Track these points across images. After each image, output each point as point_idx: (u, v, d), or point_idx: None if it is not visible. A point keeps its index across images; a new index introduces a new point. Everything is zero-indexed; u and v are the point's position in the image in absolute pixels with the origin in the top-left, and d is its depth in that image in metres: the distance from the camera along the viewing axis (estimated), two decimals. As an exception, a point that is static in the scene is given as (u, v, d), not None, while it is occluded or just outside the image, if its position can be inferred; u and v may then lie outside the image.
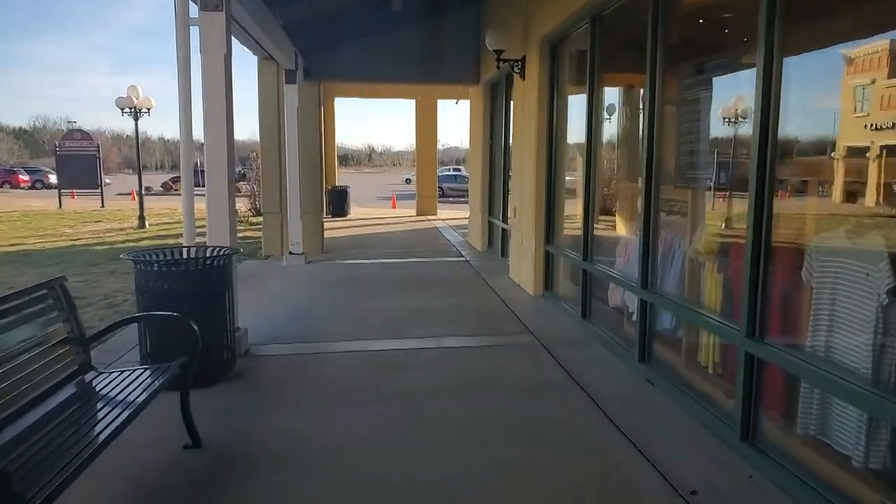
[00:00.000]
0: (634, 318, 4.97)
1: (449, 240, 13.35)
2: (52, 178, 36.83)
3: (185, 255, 4.97)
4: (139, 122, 17.31)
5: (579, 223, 6.33)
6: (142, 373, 3.43)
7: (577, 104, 6.66)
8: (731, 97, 4.21)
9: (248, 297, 7.42)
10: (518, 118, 8.36)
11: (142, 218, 17.33)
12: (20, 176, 44.83)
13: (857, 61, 3.07)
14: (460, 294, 7.79)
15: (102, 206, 26.96)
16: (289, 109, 9.88)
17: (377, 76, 11.69)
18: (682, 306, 4.36)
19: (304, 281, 8.68)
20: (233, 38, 5.82)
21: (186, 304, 4.27)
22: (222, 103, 5.15)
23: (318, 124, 11.12)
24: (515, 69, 7.82)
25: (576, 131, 6.61)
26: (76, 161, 27.16)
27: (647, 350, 4.80)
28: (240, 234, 14.60)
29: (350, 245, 12.43)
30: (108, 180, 57.37)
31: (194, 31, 5.16)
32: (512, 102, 9.06)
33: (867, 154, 3.09)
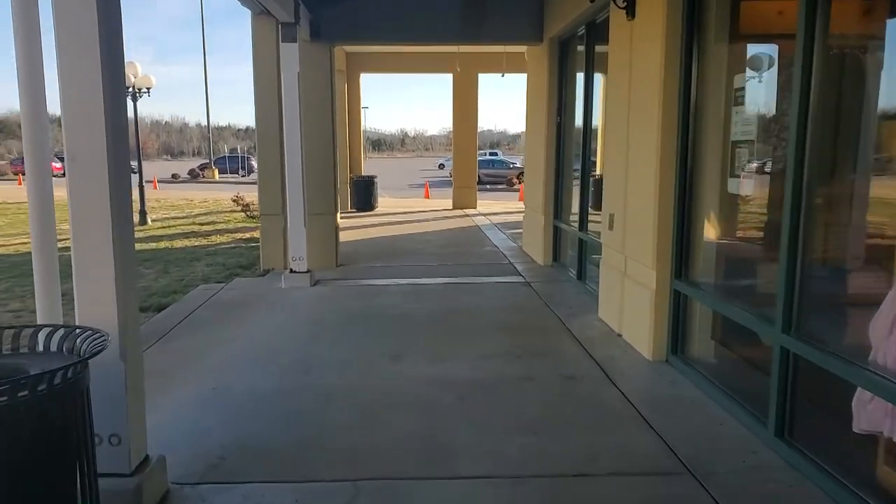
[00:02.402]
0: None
1: (496, 245, 10.64)
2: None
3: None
4: (139, 102, 14.99)
5: (759, 252, 3.61)
6: None
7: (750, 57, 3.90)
8: None
9: (207, 353, 4.87)
10: (618, 84, 5.60)
11: (143, 213, 15.05)
12: (53, 164, 43.96)
13: None
14: (529, 352, 5.09)
15: (116, 196, 24.99)
16: (286, 77, 7.27)
17: (407, 36, 8.99)
18: None
19: (300, 319, 6.09)
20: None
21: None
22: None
23: (331, 100, 8.49)
24: (619, 2, 5.05)
25: (756, 99, 3.82)
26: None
27: None
28: (246, 235, 12.16)
29: (373, 253, 9.83)
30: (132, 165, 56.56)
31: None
32: (606, 61, 6.28)
33: None
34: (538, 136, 8.89)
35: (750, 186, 3.75)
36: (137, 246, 11.41)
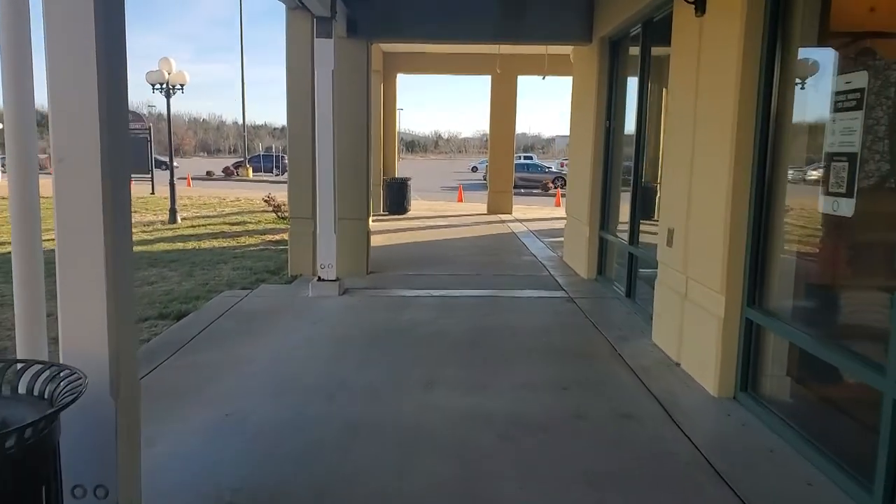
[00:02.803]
0: None
1: (534, 254, 10.12)
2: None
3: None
4: (172, 99, 14.86)
5: (860, 283, 3.04)
6: None
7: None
8: None
9: (224, 372, 4.43)
10: (681, 87, 5.05)
11: (173, 212, 14.90)
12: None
13: None
14: (578, 382, 4.57)
15: (153, 193, 25.20)
16: (320, 75, 6.88)
17: (449, 34, 8.53)
18: None
19: (326, 335, 5.67)
20: None
21: None
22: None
23: (366, 100, 8.08)
24: (689, -6, 4.51)
25: (862, 105, 3.24)
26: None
27: None
28: (276, 237, 11.86)
29: (405, 260, 9.39)
30: (176, 164, 57.48)
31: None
32: (664, 63, 5.74)
33: None
34: (584, 141, 8.34)
35: (850, 206, 3.19)
36: (164, 246, 11.26)
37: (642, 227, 6.58)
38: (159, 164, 56.78)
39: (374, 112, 15.44)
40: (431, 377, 4.55)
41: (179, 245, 11.17)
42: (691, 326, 4.68)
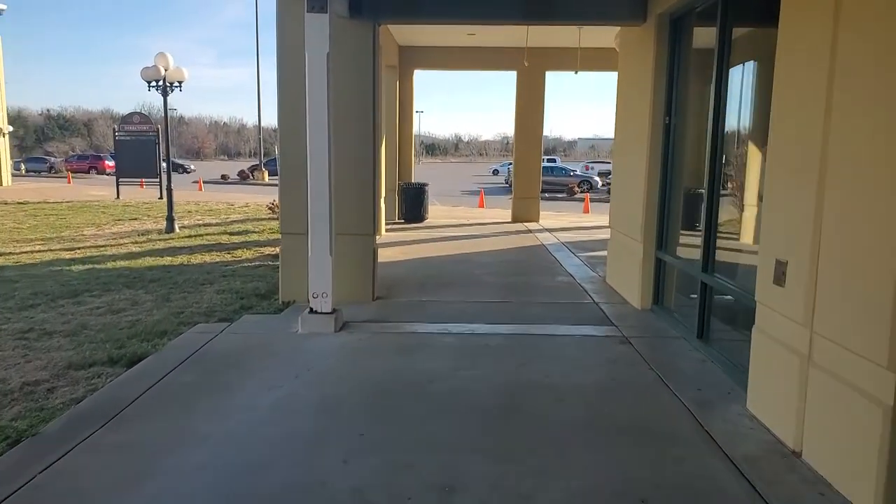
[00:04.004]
0: None
1: (571, 273, 8.69)
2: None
3: None
4: (169, 97, 13.67)
5: None
6: None
7: None
8: None
9: (160, 463, 3.04)
10: (798, 74, 3.61)
11: (170, 220, 13.69)
12: (106, 162, 44.53)
13: None
14: (660, 492, 3.16)
15: (160, 198, 24.20)
16: (313, 58, 5.56)
17: (470, 12, 7.14)
18: None
19: (309, 398, 4.30)
20: None
21: None
22: None
23: (372, 92, 6.73)
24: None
25: None
26: (133, 147, 24.52)
27: None
28: (274, 251, 10.56)
29: (420, 280, 8.02)
30: (193, 167, 56.81)
31: None
32: (753, 43, 4.30)
33: None
34: (634, 141, 6.92)
35: None
36: (150, 261, 9.84)
37: (721, 248, 5.15)
38: (177, 168, 56.26)
39: (389, 111, 14.21)
40: (450, 477, 3.17)
41: (167, 260, 9.93)
42: (824, 406, 3.25)
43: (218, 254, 10.55)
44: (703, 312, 5.32)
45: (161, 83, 13.32)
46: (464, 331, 5.76)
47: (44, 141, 74.69)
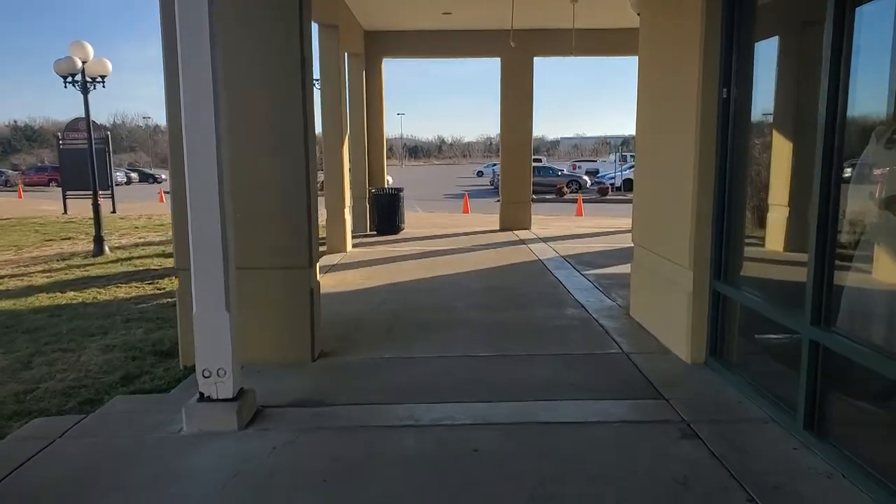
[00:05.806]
0: None
1: (581, 302, 6.70)
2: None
3: None
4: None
5: None
6: None
7: None
8: None
9: None
10: None
11: (98, 241, 11.54)
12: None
13: None
14: None
15: (113, 212, 22.07)
16: (180, 7, 3.54)
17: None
18: None
19: None
20: None
21: None
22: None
23: (300, 66, 4.70)
24: None
25: None
26: (81, 157, 22.24)
27: None
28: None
29: (383, 321, 5.99)
30: (164, 175, 54.19)
31: None
32: None
33: None
34: (671, 127, 4.97)
35: None
36: (45, 299, 7.24)
37: (844, 283, 3.20)
38: (147, 178, 53.59)
39: (355, 106, 12.19)
40: None
41: (68, 296, 7.82)
42: None
43: (138, 285, 8.47)
44: (814, 388, 3.36)
45: (80, 78, 11.17)
46: (440, 419, 3.75)
47: (10, 153, 71.81)
